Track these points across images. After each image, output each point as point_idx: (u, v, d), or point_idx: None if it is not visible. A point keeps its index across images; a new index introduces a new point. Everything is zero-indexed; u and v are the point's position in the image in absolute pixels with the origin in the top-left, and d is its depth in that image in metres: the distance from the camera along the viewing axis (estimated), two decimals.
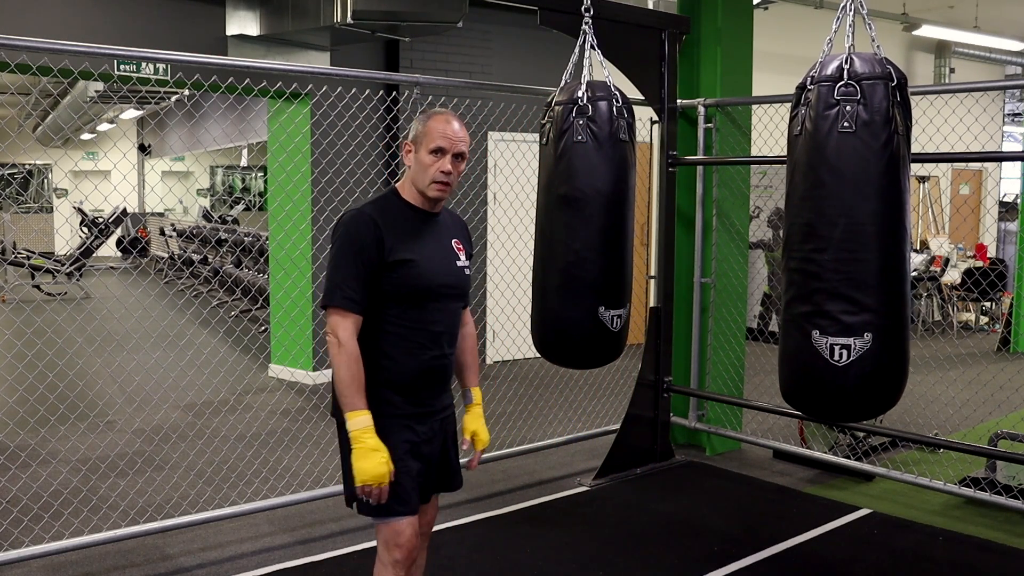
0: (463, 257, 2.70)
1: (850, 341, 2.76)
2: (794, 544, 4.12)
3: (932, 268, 10.45)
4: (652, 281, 5.62)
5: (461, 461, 2.84)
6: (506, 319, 7.12)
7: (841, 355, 2.77)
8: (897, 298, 2.80)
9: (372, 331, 2.54)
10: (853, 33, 2.91)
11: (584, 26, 4.09)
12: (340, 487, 4.39)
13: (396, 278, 2.52)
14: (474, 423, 2.79)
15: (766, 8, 10.20)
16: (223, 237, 12.61)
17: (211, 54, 4.58)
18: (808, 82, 2.87)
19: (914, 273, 10.03)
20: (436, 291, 2.58)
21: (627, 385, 6.02)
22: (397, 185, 2.67)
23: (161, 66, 6.03)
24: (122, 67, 5.78)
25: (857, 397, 2.84)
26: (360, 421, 2.45)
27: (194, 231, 14.78)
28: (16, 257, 13.08)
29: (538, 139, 3.96)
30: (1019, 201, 10.07)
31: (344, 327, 2.48)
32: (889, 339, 2.79)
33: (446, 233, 2.68)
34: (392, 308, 2.54)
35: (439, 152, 2.55)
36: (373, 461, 2.42)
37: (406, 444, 2.56)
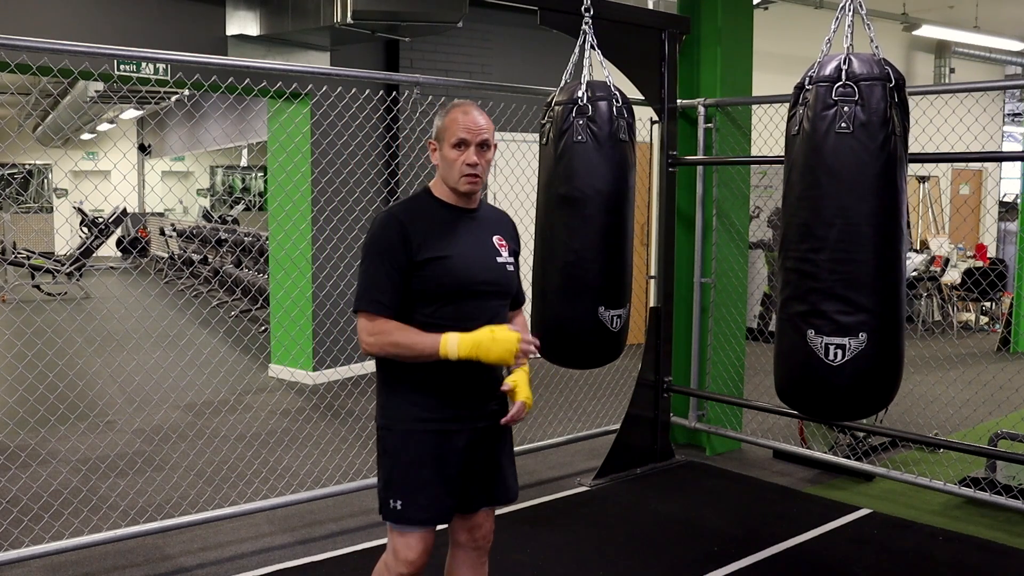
0: (505, 253, 2.60)
1: (845, 341, 2.77)
2: (794, 544, 4.12)
3: (932, 268, 10.45)
4: (652, 281, 5.62)
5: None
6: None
7: (836, 355, 2.78)
8: (892, 299, 2.81)
9: None
10: (852, 33, 2.91)
11: (584, 26, 4.09)
12: (340, 487, 4.45)
13: (427, 276, 2.45)
14: (516, 376, 2.56)
15: (766, 8, 10.20)
16: (223, 237, 12.61)
17: (211, 54, 4.59)
18: (806, 82, 2.87)
19: (914, 273, 10.03)
20: (472, 287, 2.49)
21: (627, 385, 6.02)
22: (430, 184, 2.61)
23: (161, 66, 6.03)
24: (122, 67, 5.78)
25: (851, 397, 2.85)
26: (451, 340, 2.38)
27: (194, 231, 14.79)
28: (16, 257, 13.09)
29: (538, 139, 3.96)
30: (1019, 201, 10.07)
31: (370, 330, 2.44)
32: (884, 339, 2.80)
33: (486, 229, 2.60)
34: (425, 307, 2.47)
35: (462, 145, 2.48)
36: (494, 340, 2.37)
37: (431, 455, 2.49)
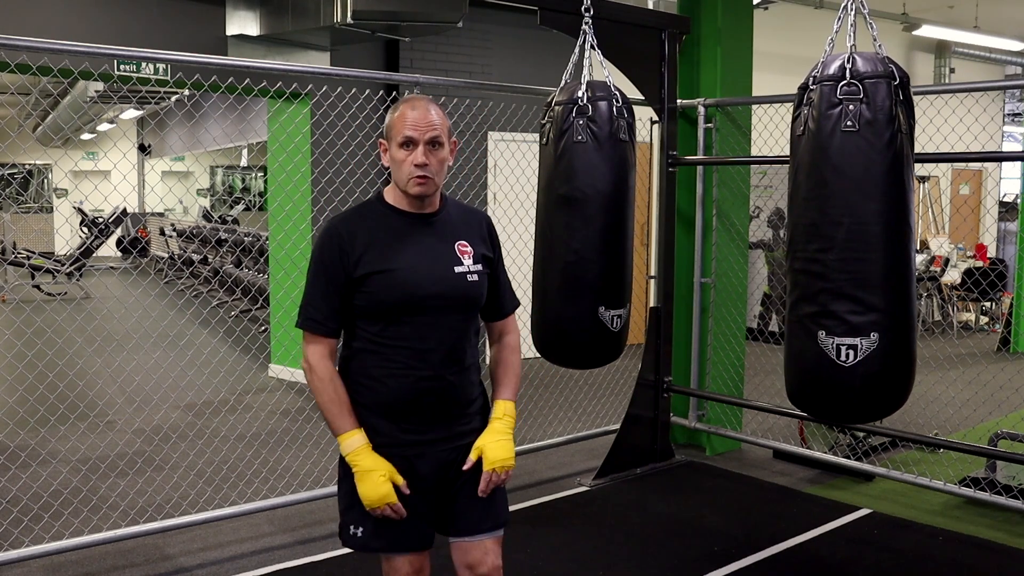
0: (468, 261, 2.35)
1: (857, 341, 2.73)
2: (794, 544, 4.12)
3: (932, 268, 10.45)
4: (652, 281, 5.62)
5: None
6: None
7: (848, 355, 2.74)
8: (903, 297, 2.78)
9: (352, 350, 2.35)
10: (854, 33, 2.90)
11: (584, 26, 4.09)
12: None
13: (368, 292, 2.27)
14: (483, 438, 2.37)
15: (766, 8, 10.20)
16: (223, 237, 12.61)
17: (211, 54, 4.59)
18: (810, 82, 2.86)
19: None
20: (419, 303, 2.27)
21: (627, 385, 6.02)
22: (385, 189, 2.42)
23: (161, 66, 6.03)
24: (122, 67, 5.78)
25: (865, 398, 2.80)
26: (351, 443, 2.25)
27: (194, 231, 14.79)
28: (16, 257, 13.09)
29: (538, 139, 3.96)
30: (1019, 201, 10.07)
31: (312, 350, 2.30)
32: (896, 339, 2.76)
33: (447, 235, 2.36)
34: (370, 325, 2.30)
35: (409, 144, 2.29)
36: (371, 482, 2.23)
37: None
